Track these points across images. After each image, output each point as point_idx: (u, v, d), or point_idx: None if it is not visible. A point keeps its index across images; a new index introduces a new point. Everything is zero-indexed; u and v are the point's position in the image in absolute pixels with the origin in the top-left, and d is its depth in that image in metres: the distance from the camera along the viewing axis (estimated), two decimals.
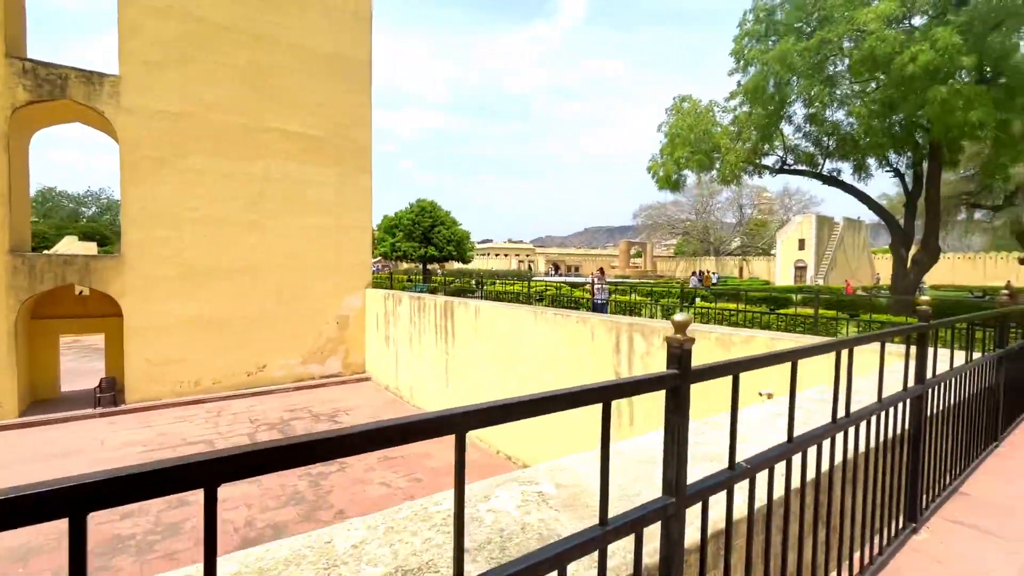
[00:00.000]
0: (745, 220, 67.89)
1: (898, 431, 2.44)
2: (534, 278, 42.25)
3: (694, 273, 36.38)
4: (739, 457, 1.40)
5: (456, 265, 50.99)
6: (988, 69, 12.61)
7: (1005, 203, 26.17)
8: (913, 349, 2.55)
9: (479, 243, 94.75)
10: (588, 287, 15.49)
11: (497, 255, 76.94)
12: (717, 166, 18.54)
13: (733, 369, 1.36)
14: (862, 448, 2.19)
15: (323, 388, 17.17)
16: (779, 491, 1.90)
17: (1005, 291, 3.75)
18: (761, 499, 1.73)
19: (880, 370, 2.22)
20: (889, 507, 2.51)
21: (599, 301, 13.88)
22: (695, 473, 1.34)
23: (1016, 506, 3.03)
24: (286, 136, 17.61)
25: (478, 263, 71.61)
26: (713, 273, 47.19)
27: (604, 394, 1.05)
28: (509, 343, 11.02)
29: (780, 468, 1.75)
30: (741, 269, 59.81)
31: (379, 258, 45.02)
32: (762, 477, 1.62)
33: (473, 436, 11.55)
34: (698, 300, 18.91)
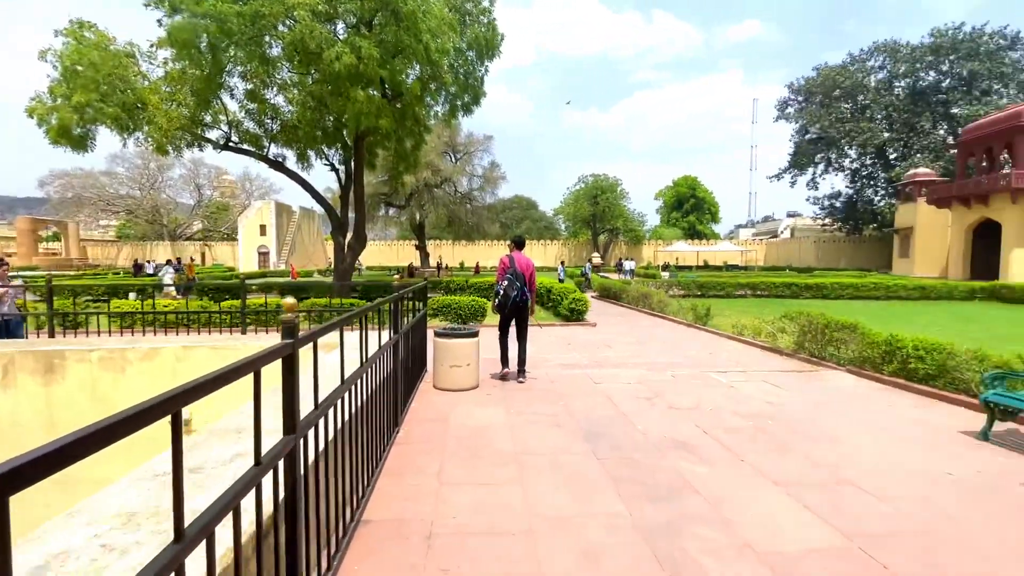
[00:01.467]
0: (205, 201, 62.14)
1: (267, 514, 1.49)
2: None
3: (168, 261, 26.99)
4: None
5: None
6: (389, 89, 15.40)
7: (406, 203, 35.02)
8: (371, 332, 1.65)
9: None
10: None
11: None
12: (145, 128, 14.91)
13: None
14: None
15: None
16: None
17: (396, 274, 3.65)
18: None
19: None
20: None
21: (10, 320, 7.12)
22: None
23: (407, 514, 2.82)
24: None
25: None
26: (169, 261, 40.20)
27: None
28: None
29: None
30: (203, 255, 54.54)
31: None
32: None
33: None
34: (131, 296, 14.88)
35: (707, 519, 2.80)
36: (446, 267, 39.42)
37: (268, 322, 9.99)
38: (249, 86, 15.10)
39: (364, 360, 2.78)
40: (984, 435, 4.12)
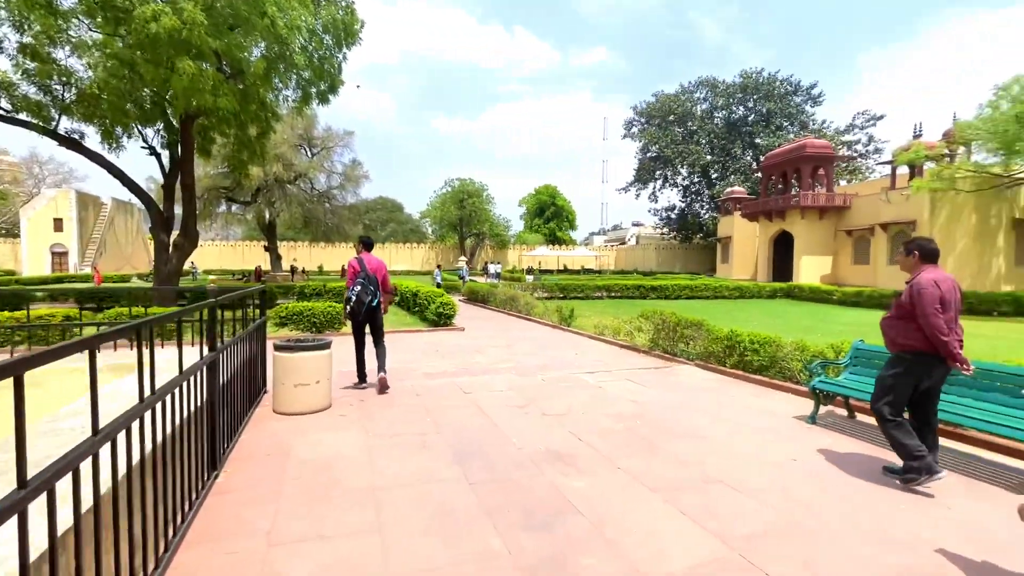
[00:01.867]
0: None
1: None
2: None
3: None
4: None
5: None
6: (228, 66, 13.33)
7: (253, 199, 31.19)
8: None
9: None
10: None
11: None
12: None
13: None
14: None
15: None
16: None
17: (213, 278, 2.82)
18: None
19: None
20: None
21: None
22: None
23: None
24: None
25: None
26: None
27: None
28: None
29: None
30: None
31: None
32: None
33: None
34: None
35: (591, 544, 2.53)
36: (302, 271, 36.00)
37: (51, 338, 7.95)
38: (27, 39, 11.94)
39: (148, 393, 1.99)
40: (812, 419, 4.59)
